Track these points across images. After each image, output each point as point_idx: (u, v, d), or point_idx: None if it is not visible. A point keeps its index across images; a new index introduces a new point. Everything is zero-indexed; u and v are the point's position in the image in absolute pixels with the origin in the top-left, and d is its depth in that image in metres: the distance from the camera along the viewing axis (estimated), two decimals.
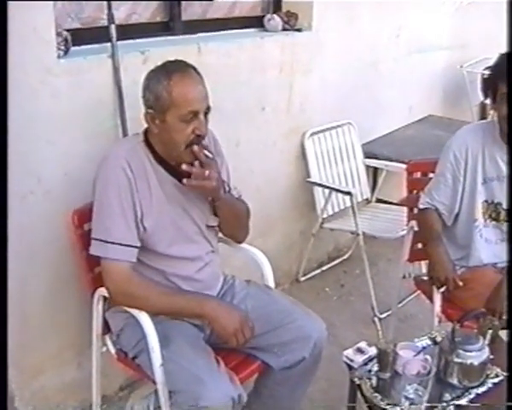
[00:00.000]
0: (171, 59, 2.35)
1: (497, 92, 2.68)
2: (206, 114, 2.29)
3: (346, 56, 4.14)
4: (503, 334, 2.63)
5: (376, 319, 2.31)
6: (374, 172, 4.49)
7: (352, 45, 4.18)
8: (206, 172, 2.25)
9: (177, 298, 2.35)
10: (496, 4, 6.02)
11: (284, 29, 3.73)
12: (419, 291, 3.19)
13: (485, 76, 2.88)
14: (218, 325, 2.30)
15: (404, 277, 3.27)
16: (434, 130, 4.73)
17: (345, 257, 4.50)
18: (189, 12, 3.32)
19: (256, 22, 3.73)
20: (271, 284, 2.71)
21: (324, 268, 4.36)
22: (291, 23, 3.76)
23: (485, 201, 2.86)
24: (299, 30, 3.78)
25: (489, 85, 2.77)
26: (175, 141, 2.26)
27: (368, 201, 4.39)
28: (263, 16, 3.73)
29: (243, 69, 3.38)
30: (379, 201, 4.44)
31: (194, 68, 2.32)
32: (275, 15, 3.71)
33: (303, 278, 4.20)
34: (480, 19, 5.94)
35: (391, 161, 4.12)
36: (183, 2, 3.23)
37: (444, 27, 5.41)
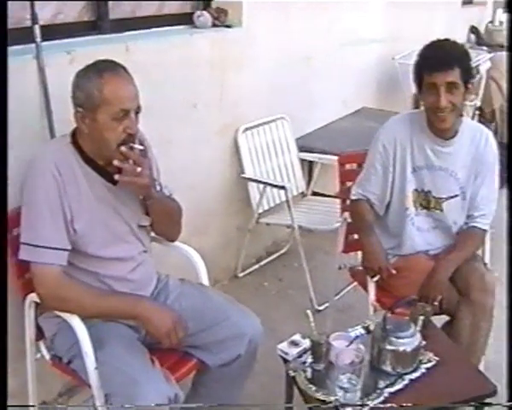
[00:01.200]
0: (102, 58, 2.33)
1: (423, 82, 2.73)
2: (136, 113, 2.28)
3: (278, 51, 4.15)
4: (436, 320, 2.71)
5: (309, 312, 2.32)
6: (309, 166, 4.51)
7: (283, 40, 4.19)
8: (138, 169, 2.24)
9: (110, 300, 2.33)
10: None
11: (214, 25, 3.72)
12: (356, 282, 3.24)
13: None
14: (150, 325, 2.29)
15: (339, 268, 3.30)
16: (368, 121, 4.77)
17: (283, 251, 4.52)
18: (118, 10, 3.29)
19: (186, 19, 3.71)
20: (206, 281, 2.70)
21: (263, 263, 4.38)
22: (221, 19, 3.75)
23: (416, 189, 2.90)
24: (229, 26, 3.78)
25: (415, 76, 2.81)
26: (106, 140, 2.23)
27: (304, 194, 4.41)
28: (192, 13, 3.71)
29: (173, 67, 3.35)
30: (315, 194, 4.46)
31: (124, 68, 2.30)
32: (204, 12, 3.70)
33: (241, 274, 4.20)
34: (412, 11, 6.05)
35: (325, 153, 4.14)
36: (110, 1, 3.19)
37: (376, 20, 5.49)
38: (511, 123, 2.63)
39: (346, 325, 2.55)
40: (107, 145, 2.24)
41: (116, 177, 2.25)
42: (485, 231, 2.93)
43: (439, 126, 2.75)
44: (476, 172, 2.87)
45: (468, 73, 2.71)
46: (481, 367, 3.03)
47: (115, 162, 2.23)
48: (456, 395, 2.26)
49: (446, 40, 2.79)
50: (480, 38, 8.62)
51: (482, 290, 2.70)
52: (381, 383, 2.23)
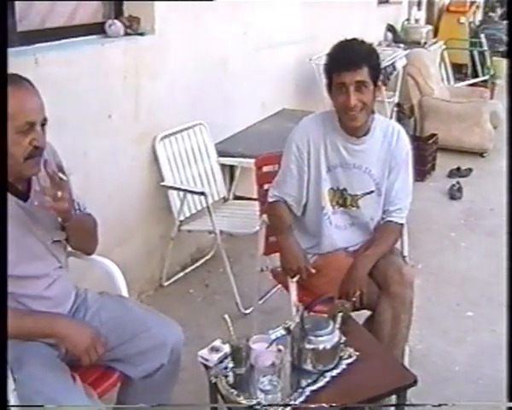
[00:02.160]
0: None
1: (332, 82, 2.77)
2: (43, 125, 2.23)
3: (193, 57, 4.15)
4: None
5: (227, 317, 2.32)
6: (230, 170, 4.53)
7: (198, 45, 4.19)
8: (59, 194, 2.19)
9: (25, 320, 2.28)
10: None
11: (127, 34, 3.69)
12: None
13: None
14: (69, 343, 2.27)
15: (261, 270, 3.31)
16: (289, 123, 4.75)
17: (208, 257, 4.50)
18: (26, 22, 3.22)
19: (97, 29, 3.66)
20: (125, 293, 2.66)
21: (188, 270, 4.35)
22: (133, 27, 3.72)
23: (331, 188, 2.93)
24: (141, 34, 3.75)
25: (325, 76, 2.85)
26: (12, 154, 2.16)
27: (225, 199, 4.41)
28: (104, 22, 3.67)
29: (85, 77, 3.30)
30: (238, 198, 4.47)
31: (29, 81, 2.25)
32: (116, 21, 3.66)
33: (167, 283, 4.16)
34: (328, 11, 6.12)
35: (245, 157, 4.14)
36: (18, 13, 3.12)
37: (292, 22, 5.54)
38: (511, 127, 2.65)
39: (272, 327, 2.57)
40: (14, 160, 2.17)
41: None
42: (401, 224, 2.99)
43: (351, 125, 2.80)
44: (390, 168, 2.92)
45: (376, 71, 2.77)
46: (406, 358, 3.10)
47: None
48: (377, 388, 2.29)
49: (354, 40, 2.84)
50: (396, 36, 8.82)
51: (400, 283, 2.74)
52: (303, 382, 2.25)
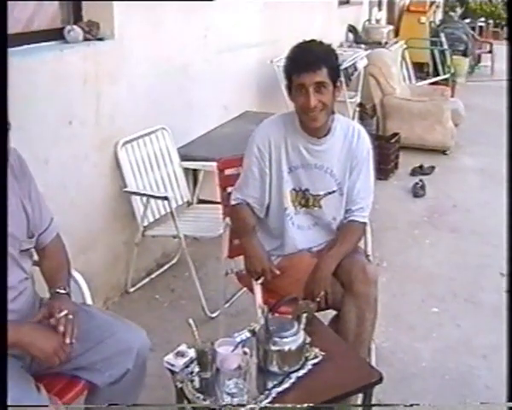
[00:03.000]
0: None
1: (292, 84, 2.78)
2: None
3: (153, 61, 4.13)
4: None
5: (191, 321, 2.31)
6: (194, 174, 4.52)
7: (159, 50, 4.18)
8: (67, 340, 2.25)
9: None
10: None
11: (86, 39, 3.66)
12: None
13: None
14: (35, 348, 2.22)
15: (226, 273, 3.30)
16: (251, 125, 4.70)
17: (173, 262, 4.48)
18: None
19: (56, 35, 3.62)
20: (89, 301, 2.64)
21: (153, 276, 4.32)
22: (93, 33, 3.69)
23: (293, 189, 2.93)
24: (101, 39, 3.72)
25: (285, 78, 2.86)
26: None
27: (189, 203, 4.40)
28: (63, 28, 3.63)
29: (45, 84, 3.27)
30: (202, 201, 4.45)
31: None
32: (75, 26, 3.63)
33: (132, 289, 4.13)
34: (289, 13, 6.15)
35: (208, 161, 4.10)
36: None
37: (253, 25, 5.55)
38: (511, 124, 2.65)
39: (238, 329, 2.56)
40: None
41: None
42: (364, 223, 3.01)
43: (311, 126, 2.81)
44: (351, 168, 2.93)
45: (335, 72, 2.78)
46: (373, 356, 3.12)
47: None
48: (343, 387, 2.31)
49: (312, 41, 2.85)
50: (357, 37, 8.89)
51: (364, 282, 2.76)
52: (269, 384, 2.24)
